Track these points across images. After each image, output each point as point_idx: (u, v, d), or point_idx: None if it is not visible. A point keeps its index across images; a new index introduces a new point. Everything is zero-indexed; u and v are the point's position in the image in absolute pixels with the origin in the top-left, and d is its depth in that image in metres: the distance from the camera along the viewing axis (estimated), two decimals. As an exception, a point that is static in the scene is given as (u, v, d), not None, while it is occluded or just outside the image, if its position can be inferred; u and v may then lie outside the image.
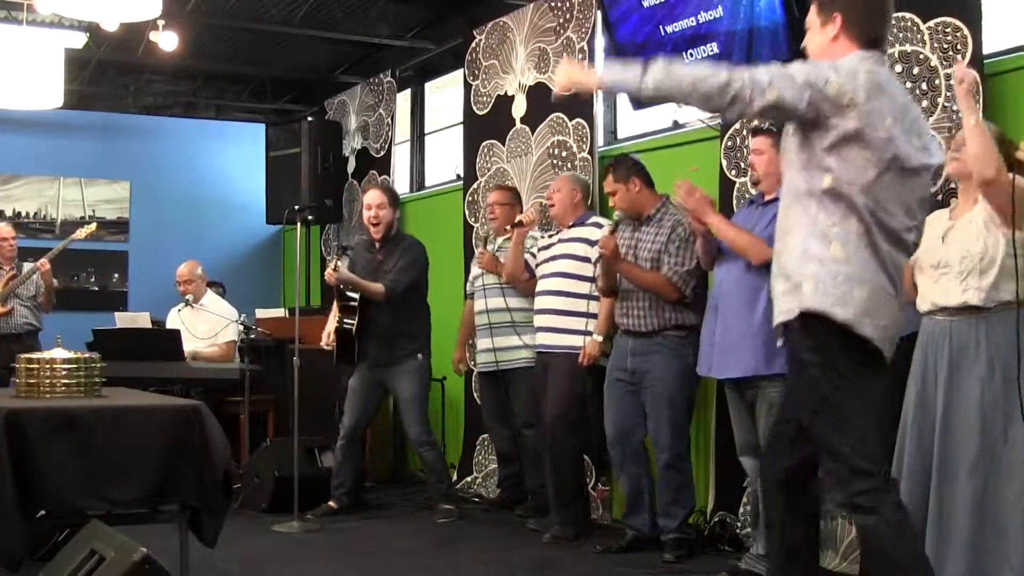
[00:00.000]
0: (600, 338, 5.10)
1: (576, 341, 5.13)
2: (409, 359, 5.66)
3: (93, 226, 7.00)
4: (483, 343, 5.79)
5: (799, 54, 4.58)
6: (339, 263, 5.50)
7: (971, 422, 3.30)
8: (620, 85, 3.02)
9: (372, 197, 5.73)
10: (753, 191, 4.65)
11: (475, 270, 6.02)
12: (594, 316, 5.12)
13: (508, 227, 5.62)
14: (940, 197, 3.86)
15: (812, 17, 3.07)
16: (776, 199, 4.38)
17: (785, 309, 2.93)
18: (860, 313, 2.82)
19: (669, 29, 5.08)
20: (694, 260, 4.65)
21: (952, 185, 3.75)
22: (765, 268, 4.26)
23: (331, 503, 5.74)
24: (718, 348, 4.38)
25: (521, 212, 5.81)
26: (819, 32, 3.04)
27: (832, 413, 2.88)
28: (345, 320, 5.61)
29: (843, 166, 2.84)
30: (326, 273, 5.57)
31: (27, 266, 7.13)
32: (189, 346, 6.82)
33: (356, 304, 5.58)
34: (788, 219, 2.97)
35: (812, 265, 2.86)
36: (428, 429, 5.79)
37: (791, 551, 3.16)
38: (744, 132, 4.94)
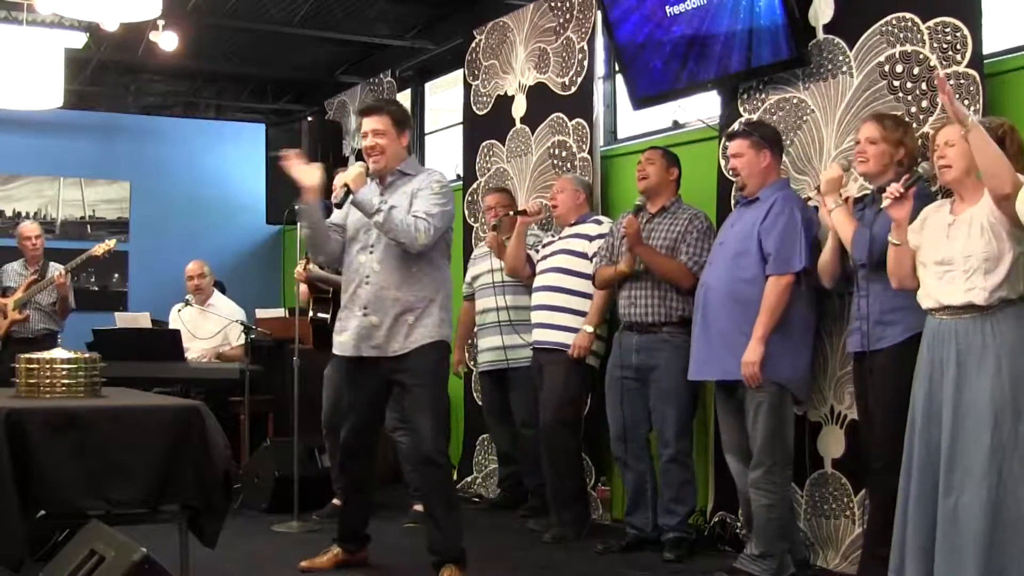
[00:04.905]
0: (591, 329, 5.09)
1: (571, 338, 5.12)
2: None
3: (113, 242, 6.94)
4: (490, 342, 5.77)
5: (799, 54, 4.62)
6: (310, 265, 5.46)
7: (982, 422, 3.29)
8: (364, 206, 4.22)
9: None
10: (737, 194, 4.65)
11: (474, 270, 5.99)
12: (592, 314, 5.12)
13: (511, 213, 5.59)
14: (939, 193, 3.84)
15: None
16: (759, 198, 4.40)
17: None
18: None
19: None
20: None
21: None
22: (751, 270, 4.28)
23: (335, 501, 5.72)
24: (702, 349, 4.39)
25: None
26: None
27: None
28: (319, 311, 5.59)
29: None
30: (296, 272, 5.55)
31: (52, 269, 7.10)
32: (190, 346, 6.82)
33: (329, 296, 5.57)
34: None
35: None
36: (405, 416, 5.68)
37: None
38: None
